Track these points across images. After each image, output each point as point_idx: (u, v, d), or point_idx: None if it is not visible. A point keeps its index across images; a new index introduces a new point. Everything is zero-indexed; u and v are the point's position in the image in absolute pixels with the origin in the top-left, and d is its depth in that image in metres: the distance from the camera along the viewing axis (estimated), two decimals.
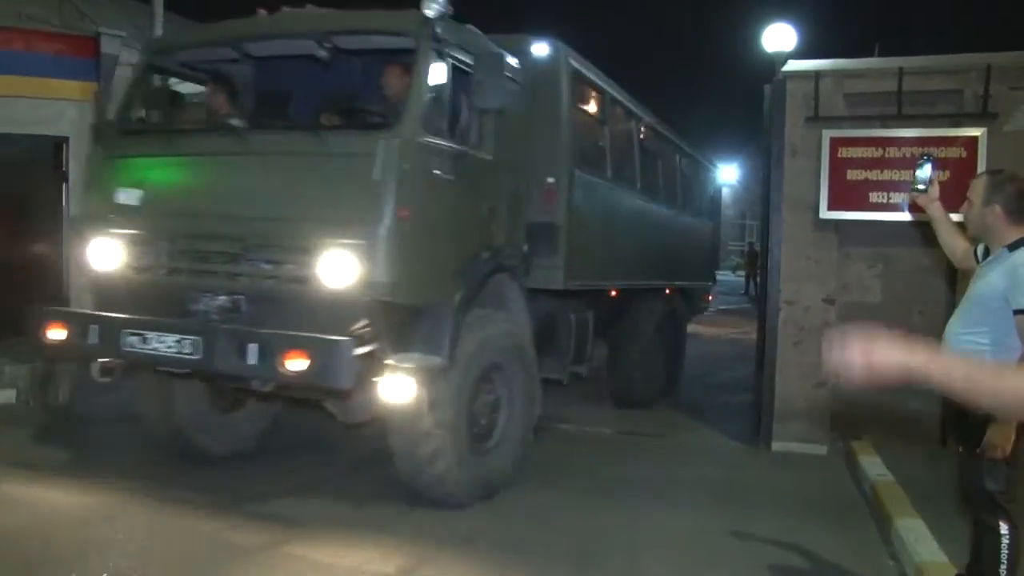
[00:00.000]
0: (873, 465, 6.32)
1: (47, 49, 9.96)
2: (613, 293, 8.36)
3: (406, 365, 4.93)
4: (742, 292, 27.95)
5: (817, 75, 7.26)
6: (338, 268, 4.78)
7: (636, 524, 5.37)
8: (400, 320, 5.04)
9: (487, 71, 5.25)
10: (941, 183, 3.91)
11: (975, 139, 6.67)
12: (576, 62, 6.91)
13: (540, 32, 6.63)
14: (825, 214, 7.17)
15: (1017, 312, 3.32)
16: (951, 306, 4.04)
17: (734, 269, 37.29)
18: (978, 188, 3.66)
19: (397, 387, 4.93)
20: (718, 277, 14.40)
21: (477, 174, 5.62)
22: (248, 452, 6.49)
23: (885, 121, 7.10)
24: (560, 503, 5.72)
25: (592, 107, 7.68)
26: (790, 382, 7.39)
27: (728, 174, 43.78)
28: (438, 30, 5.09)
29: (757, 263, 24.17)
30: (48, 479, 5.76)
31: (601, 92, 7.69)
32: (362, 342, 4.75)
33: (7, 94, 9.66)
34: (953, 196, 3.96)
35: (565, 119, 6.63)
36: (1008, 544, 3.47)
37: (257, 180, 5.24)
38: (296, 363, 4.62)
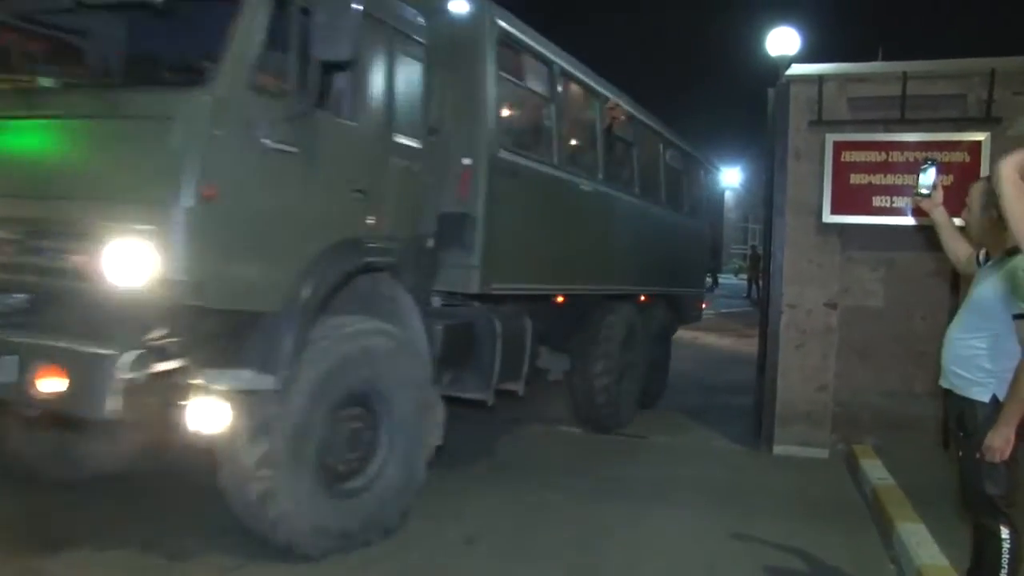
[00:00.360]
0: (874, 468, 6.32)
1: None
2: (560, 299, 7.25)
3: (218, 387, 4.01)
4: (744, 295, 27.93)
5: (821, 79, 7.27)
6: (126, 261, 3.78)
7: (636, 526, 5.37)
8: (216, 329, 4.12)
9: (327, 12, 4.08)
10: (945, 188, 3.91)
11: (979, 144, 6.68)
12: (506, 23, 5.93)
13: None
14: (828, 218, 7.18)
15: (1016, 316, 3.34)
16: (954, 311, 4.03)
17: (736, 272, 37.28)
18: (976, 194, 3.69)
19: (206, 414, 4.01)
20: (720, 280, 14.42)
21: (337, 146, 4.54)
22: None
23: (888, 125, 7.10)
24: (560, 504, 5.71)
25: (532, 80, 6.61)
26: (792, 385, 7.39)
27: (731, 177, 43.90)
28: None
29: (759, 266, 24.19)
30: None
31: (547, 64, 6.61)
32: (155, 357, 3.82)
33: None
34: (956, 201, 3.96)
35: (487, 90, 5.65)
36: (1009, 548, 3.47)
37: (44, 149, 4.23)
38: (50, 382, 3.73)
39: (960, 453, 3.66)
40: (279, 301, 4.19)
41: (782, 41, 12.09)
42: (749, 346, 11.27)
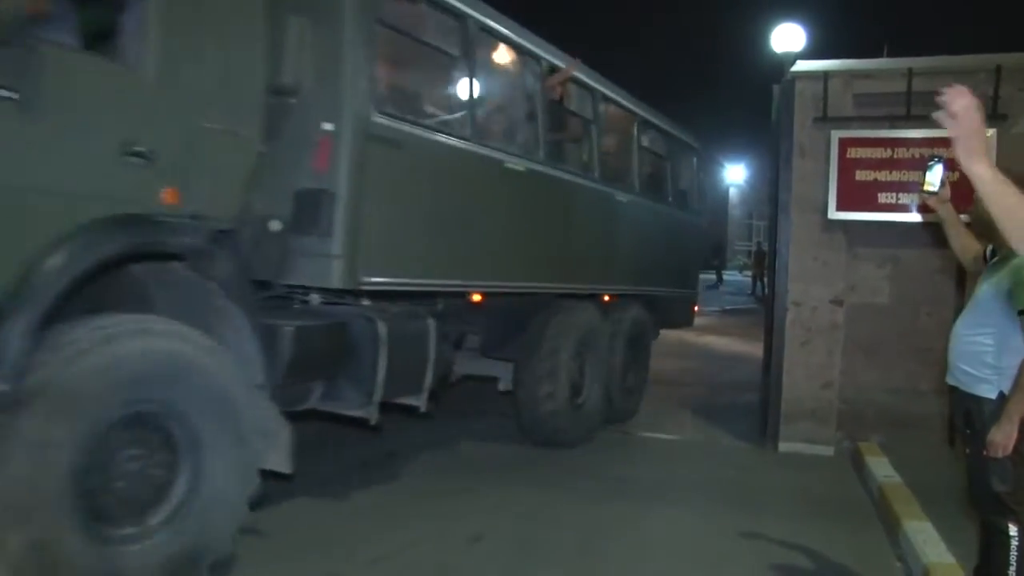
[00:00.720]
0: (880, 466, 6.31)
1: None
2: (477, 298, 6.19)
3: None
4: (749, 292, 27.92)
5: (826, 75, 7.25)
6: None
7: (641, 523, 5.36)
8: None
9: None
10: (951, 184, 3.90)
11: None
12: None
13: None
14: (833, 215, 7.17)
15: (1021, 313, 3.34)
16: (959, 308, 4.03)
17: (741, 269, 37.26)
18: None
19: None
20: (725, 277, 14.29)
21: (100, 96, 3.53)
22: None
23: (894, 122, 7.09)
24: (565, 503, 5.70)
25: (428, 31, 5.60)
26: (797, 383, 7.38)
27: (735, 174, 43.93)
28: None
29: (764, 263, 24.17)
30: None
31: (457, 16, 5.58)
32: None
33: None
34: (960, 197, 3.95)
35: (354, 37, 4.64)
36: (1017, 546, 3.46)
37: None
38: None
39: (967, 450, 3.65)
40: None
41: (787, 38, 12.08)
42: (753, 343, 11.26)
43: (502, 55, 6.42)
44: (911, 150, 6.92)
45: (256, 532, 4.50)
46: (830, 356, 7.36)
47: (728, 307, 22.80)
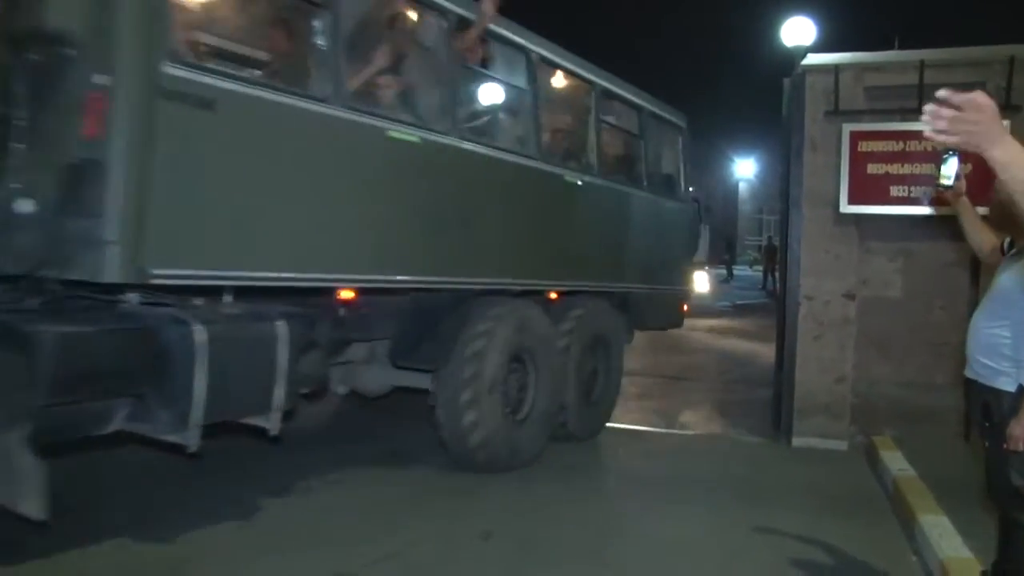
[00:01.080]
0: (895, 460, 6.29)
1: None
2: (348, 295, 5.26)
3: None
4: (760, 287, 27.87)
5: (837, 69, 7.23)
6: None
7: (655, 519, 5.35)
8: None
9: None
10: (965, 177, 3.88)
11: None
12: None
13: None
14: (845, 208, 7.14)
15: None
16: (973, 300, 4.02)
17: (751, 264, 37.19)
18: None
19: None
20: (735, 272, 14.13)
21: None
22: None
23: (905, 115, 7.05)
24: (578, 499, 5.70)
25: None
26: (810, 377, 7.37)
27: (745, 168, 43.81)
28: None
29: (775, 258, 24.06)
30: None
31: None
32: None
33: None
34: (976, 190, 3.93)
35: None
36: None
37: None
38: None
39: (986, 444, 3.63)
40: None
41: (797, 31, 11.99)
42: (764, 338, 11.23)
43: (385, 4, 5.65)
44: (923, 143, 6.87)
45: (261, 530, 4.51)
46: (843, 350, 7.33)
47: (739, 302, 22.75)
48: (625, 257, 7.75)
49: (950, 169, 3.85)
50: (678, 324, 9.21)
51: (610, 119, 7.80)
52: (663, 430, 8.04)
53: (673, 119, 8.68)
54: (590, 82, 7.24)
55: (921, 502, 5.25)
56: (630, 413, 8.58)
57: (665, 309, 8.70)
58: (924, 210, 6.88)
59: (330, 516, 5.11)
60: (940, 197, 4.04)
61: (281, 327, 4.43)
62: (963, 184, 3.86)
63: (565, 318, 6.91)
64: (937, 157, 3.93)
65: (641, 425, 8.15)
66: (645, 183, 8.05)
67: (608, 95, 7.53)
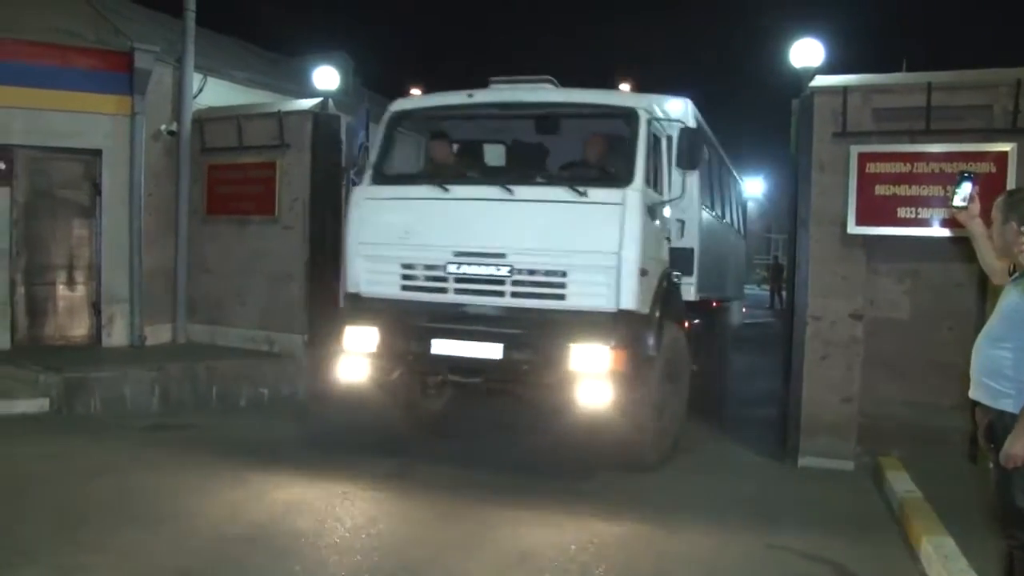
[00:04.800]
0: (901, 481, 6.29)
1: (82, 64, 10.20)
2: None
3: None
4: (767, 306, 27.82)
5: (845, 90, 7.26)
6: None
7: (663, 536, 5.37)
8: None
9: None
10: (978, 199, 3.92)
11: (1005, 155, 6.64)
12: None
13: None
14: (853, 229, 7.16)
15: None
16: (981, 322, 4.03)
17: (759, 283, 37.14)
18: (997, 206, 3.73)
19: None
20: (744, 290, 14.18)
21: None
22: None
23: (913, 136, 7.08)
24: (582, 516, 5.71)
25: None
26: (817, 397, 7.37)
27: (753, 187, 43.77)
28: None
29: (782, 277, 24.01)
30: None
31: None
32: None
33: (43, 107, 9.88)
34: (982, 212, 3.97)
35: None
36: None
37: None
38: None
39: (991, 465, 3.65)
40: None
41: (806, 53, 12.09)
42: (770, 357, 11.22)
43: None
44: (931, 164, 6.92)
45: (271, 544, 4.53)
46: (849, 370, 7.34)
47: (747, 320, 22.69)
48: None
49: (964, 191, 3.89)
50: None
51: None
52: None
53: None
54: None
55: (927, 524, 5.25)
56: None
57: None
58: (932, 232, 6.90)
59: (349, 526, 5.14)
60: (954, 219, 4.07)
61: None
62: (977, 206, 3.90)
63: None
64: (950, 179, 3.97)
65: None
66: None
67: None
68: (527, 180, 6.84)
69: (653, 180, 6.87)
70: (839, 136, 7.27)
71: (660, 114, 7.08)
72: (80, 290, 10.41)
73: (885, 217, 7.07)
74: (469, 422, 8.49)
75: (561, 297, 6.38)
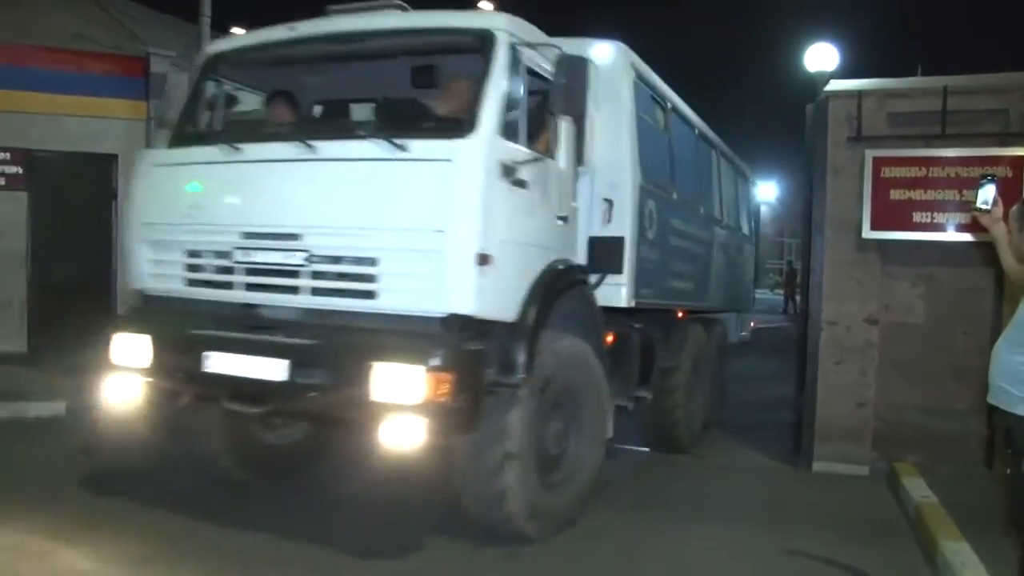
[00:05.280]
0: (916, 486, 6.26)
1: (97, 69, 10.29)
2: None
3: None
4: (781, 311, 27.76)
5: (860, 95, 7.25)
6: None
7: (678, 543, 5.35)
8: None
9: None
10: (1001, 202, 3.90)
11: (1021, 159, 6.61)
12: None
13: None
14: (868, 234, 7.14)
15: None
16: (997, 326, 4.03)
17: (772, 288, 37.06)
18: (1012, 215, 3.73)
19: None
20: (756, 295, 13.93)
21: None
22: None
23: (928, 140, 7.06)
24: (600, 521, 5.70)
25: None
26: (831, 402, 7.35)
27: (767, 192, 43.70)
28: None
29: (796, 282, 23.94)
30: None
31: None
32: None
33: (59, 112, 9.95)
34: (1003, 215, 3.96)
35: None
36: None
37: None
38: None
39: (1008, 471, 3.63)
40: None
41: (820, 57, 12.04)
42: (784, 361, 11.18)
43: None
44: (946, 169, 6.89)
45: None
46: (864, 375, 7.32)
47: (761, 325, 22.64)
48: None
49: (987, 194, 3.88)
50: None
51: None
52: (682, 454, 8.01)
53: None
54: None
55: (943, 529, 5.22)
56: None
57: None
58: (947, 236, 6.88)
59: (350, 531, 5.15)
60: (974, 222, 4.05)
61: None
62: (1000, 209, 3.88)
63: None
64: (965, 183, 3.96)
65: (659, 450, 8.11)
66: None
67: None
68: (340, 133, 5.14)
69: (531, 135, 5.00)
70: (854, 140, 7.25)
71: (535, 40, 5.06)
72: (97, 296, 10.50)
73: (900, 221, 7.05)
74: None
75: (371, 295, 4.58)
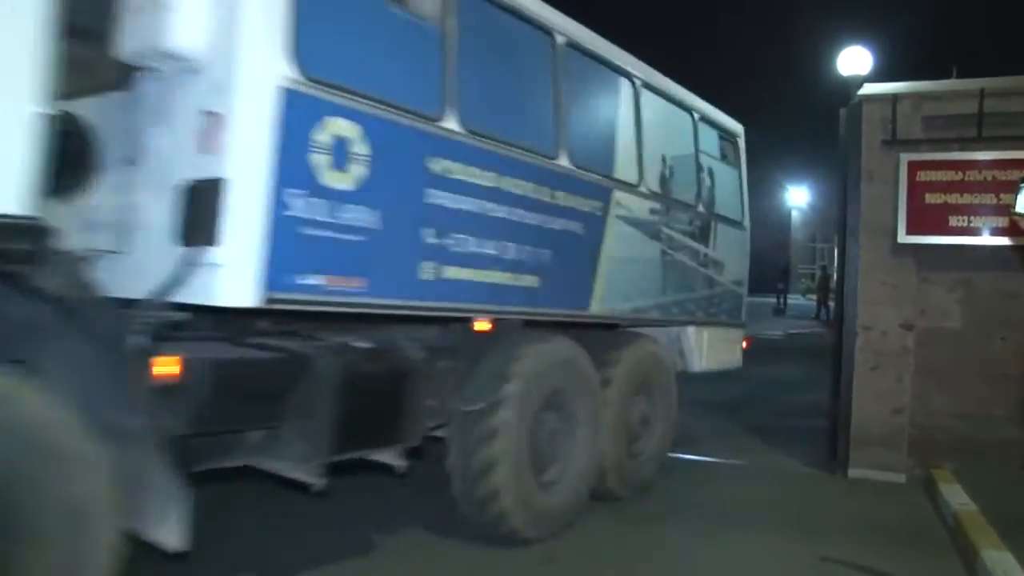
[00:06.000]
0: (955, 493, 6.19)
1: None
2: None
3: None
4: (813, 316, 27.55)
5: (894, 98, 7.20)
6: None
7: (711, 549, 5.33)
8: None
9: None
10: None
11: None
12: None
13: None
14: (903, 238, 7.09)
15: None
16: None
17: (804, 293, 36.78)
18: None
19: None
20: (789, 301, 13.77)
21: None
22: None
23: (964, 144, 7.00)
24: (634, 527, 5.70)
25: None
26: (867, 408, 7.29)
27: (798, 196, 43.46)
28: None
29: (828, 287, 23.75)
30: None
31: None
32: None
33: None
34: None
35: None
36: None
37: None
38: None
39: None
40: None
41: (854, 61, 11.98)
42: (818, 367, 11.10)
43: None
44: (983, 172, 6.83)
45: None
46: (900, 381, 7.25)
47: (792, 331, 22.51)
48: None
49: None
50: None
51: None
52: (716, 459, 7.98)
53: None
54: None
55: (984, 537, 5.15)
56: (683, 442, 8.54)
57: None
58: (985, 240, 6.81)
59: (383, 543, 5.18)
60: (1014, 225, 4.02)
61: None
62: None
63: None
64: (1003, 187, 3.92)
65: (694, 454, 8.09)
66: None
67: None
68: None
69: None
70: (888, 144, 7.20)
71: None
72: None
73: (936, 226, 6.99)
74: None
75: None
